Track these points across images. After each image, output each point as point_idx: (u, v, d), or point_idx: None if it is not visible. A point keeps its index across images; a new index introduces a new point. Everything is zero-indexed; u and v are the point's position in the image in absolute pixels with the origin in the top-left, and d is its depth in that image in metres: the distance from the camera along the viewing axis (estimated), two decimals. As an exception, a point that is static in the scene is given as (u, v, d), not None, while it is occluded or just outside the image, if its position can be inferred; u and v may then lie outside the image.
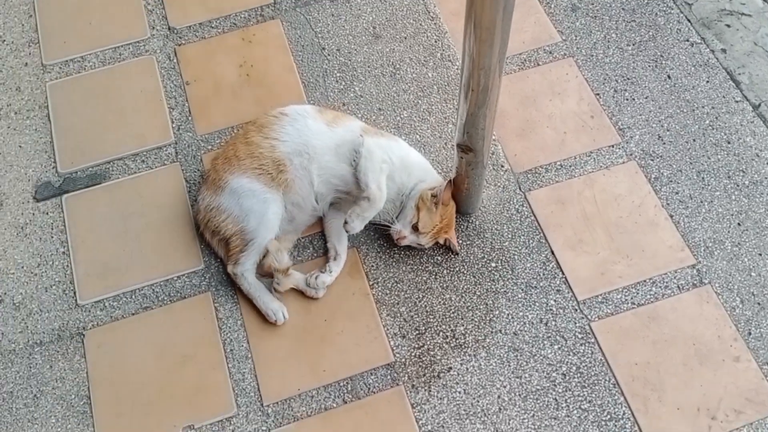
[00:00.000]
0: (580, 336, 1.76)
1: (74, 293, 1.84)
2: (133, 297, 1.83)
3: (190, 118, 2.08)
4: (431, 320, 1.79)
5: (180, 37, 2.22)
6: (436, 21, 2.21)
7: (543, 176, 1.98)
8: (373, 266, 1.86)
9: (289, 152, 1.80)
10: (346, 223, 1.74)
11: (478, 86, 1.46)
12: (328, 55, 2.17)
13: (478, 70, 1.42)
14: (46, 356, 1.76)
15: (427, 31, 2.19)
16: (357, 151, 1.78)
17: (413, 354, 1.75)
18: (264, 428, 1.67)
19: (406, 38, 2.19)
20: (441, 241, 1.84)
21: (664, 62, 2.15)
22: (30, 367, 1.75)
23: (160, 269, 1.86)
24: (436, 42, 2.17)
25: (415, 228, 1.78)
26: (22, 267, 1.88)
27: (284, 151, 1.80)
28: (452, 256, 1.85)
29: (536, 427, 1.66)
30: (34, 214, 1.96)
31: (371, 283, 1.84)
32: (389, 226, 1.80)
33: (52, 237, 1.92)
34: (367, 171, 1.75)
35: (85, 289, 1.84)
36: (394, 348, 1.75)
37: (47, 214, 1.95)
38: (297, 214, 1.83)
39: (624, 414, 1.67)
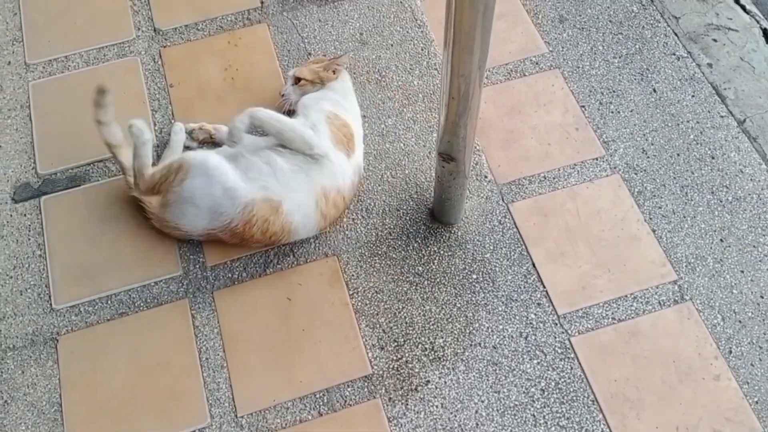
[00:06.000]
0: (559, 351, 1.74)
1: (49, 297, 1.81)
2: (109, 302, 1.80)
3: (173, 121, 2.06)
4: (410, 332, 1.77)
5: (165, 39, 2.20)
6: (423, 29, 2.19)
7: (526, 188, 1.96)
8: (353, 275, 1.84)
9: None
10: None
11: (458, 93, 1.44)
12: (314, 60, 2.15)
13: (458, 77, 1.40)
14: (18, 361, 1.74)
15: (414, 38, 2.18)
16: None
17: (391, 366, 1.73)
18: (238, 439, 1.65)
19: (392, 45, 2.17)
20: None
21: (650, 75, 2.14)
22: (1, 373, 1.72)
23: (137, 274, 1.84)
24: (422, 50, 2.16)
25: (296, 80, 1.95)
26: (-3, 269, 1.85)
27: None
28: (434, 266, 1.84)
29: (513, 442, 1.64)
30: (11, 215, 1.93)
31: (351, 292, 1.82)
32: None
33: (29, 239, 1.89)
34: None
35: (61, 293, 1.82)
36: (372, 360, 1.74)
37: (25, 215, 1.93)
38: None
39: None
